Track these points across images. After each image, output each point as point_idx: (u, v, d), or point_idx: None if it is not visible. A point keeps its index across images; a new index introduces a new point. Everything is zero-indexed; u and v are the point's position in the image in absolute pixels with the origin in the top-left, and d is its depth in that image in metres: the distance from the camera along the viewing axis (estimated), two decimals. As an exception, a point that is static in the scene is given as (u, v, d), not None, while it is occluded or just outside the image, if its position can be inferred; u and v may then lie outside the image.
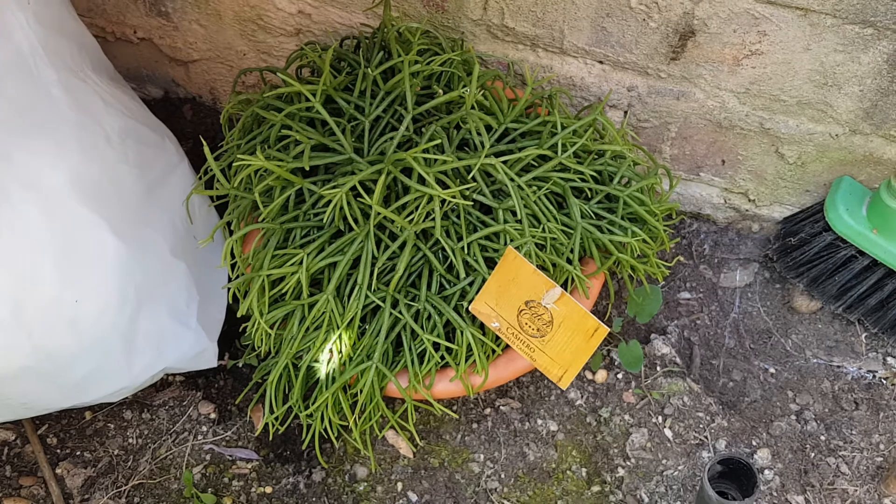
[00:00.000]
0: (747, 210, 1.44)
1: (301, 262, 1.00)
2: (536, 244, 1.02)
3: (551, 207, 1.06)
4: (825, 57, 1.17)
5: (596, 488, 1.29)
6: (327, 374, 1.05)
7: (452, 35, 1.30)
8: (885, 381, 1.40)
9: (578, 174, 1.09)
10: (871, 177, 1.31)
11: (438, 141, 0.96)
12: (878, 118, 1.22)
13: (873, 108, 1.21)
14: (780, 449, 1.34)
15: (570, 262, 1.07)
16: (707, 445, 1.33)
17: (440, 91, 1.09)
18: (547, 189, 1.06)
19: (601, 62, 1.28)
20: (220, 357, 1.30)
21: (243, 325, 1.25)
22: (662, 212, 1.14)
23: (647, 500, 1.28)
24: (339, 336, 1.00)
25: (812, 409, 1.38)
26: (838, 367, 1.42)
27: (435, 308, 1.02)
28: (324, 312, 0.99)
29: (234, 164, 1.08)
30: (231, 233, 1.14)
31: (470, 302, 1.01)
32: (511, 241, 1.02)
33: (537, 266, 1.02)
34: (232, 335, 1.36)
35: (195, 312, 1.19)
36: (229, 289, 1.08)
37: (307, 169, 1.00)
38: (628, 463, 1.31)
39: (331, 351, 1.02)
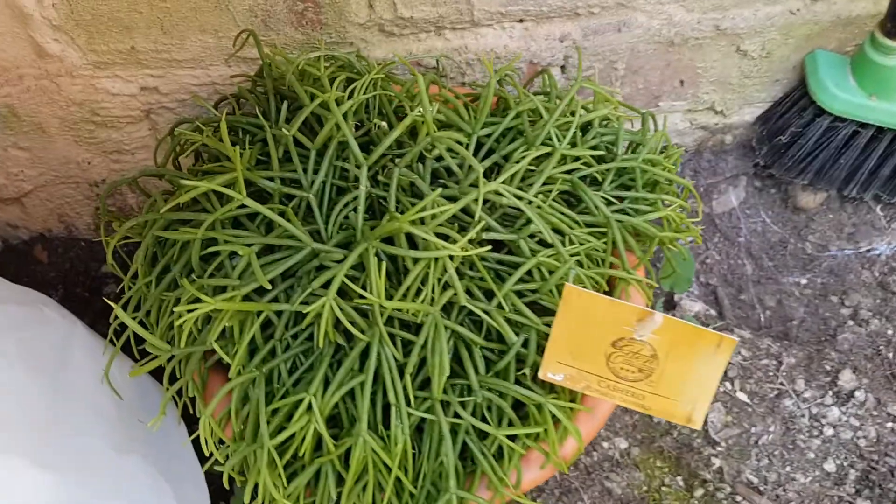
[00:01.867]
0: (716, 124, 1.27)
1: (310, 407, 0.74)
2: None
3: (568, 211, 0.84)
4: (771, -74, 1.00)
5: (699, 492, 1.10)
6: (390, 525, 0.80)
7: (340, 51, 1.05)
8: (921, 247, 1.28)
9: (575, 159, 0.87)
10: (842, 42, 1.16)
11: (437, 192, 0.72)
12: (840, -25, 1.06)
13: (833, -35, 1.05)
14: (856, 362, 1.19)
15: (611, 265, 0.86)
16: (787, 391, 1.17)
17: (382, 124, 0.84)
18: (556, 192, 0.83)
19: (521, 20, 1.06)
20: (216, 534, 1.02)
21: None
22: (674, 163, 0.95)
23: (756, 480, 1.11)
24: (395, 479, 0.75)
25: (865, 307, 1.24)
26: (868, 251, 1.29)
27: (495, 391, 0.78)
28: (364, 456, 0.74)
29: (168, 315, 0.80)
30: (181, 396, 0.86)
31: (534, 368, 0.78)
32: (550, 272, 0.80)
33: (590, 287, 0.80)
34: (216, 496, 1.07)
35: (176, 508, 0.90)
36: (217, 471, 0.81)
37: (268, 287, 0.74)
38: (719, 448, 1.13)
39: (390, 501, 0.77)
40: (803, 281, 1.28)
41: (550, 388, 0.81)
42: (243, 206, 0.81)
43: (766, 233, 1.30)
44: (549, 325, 0.79)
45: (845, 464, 1.11)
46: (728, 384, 1.17)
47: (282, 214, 0.82)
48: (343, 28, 1.02)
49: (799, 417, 1.15)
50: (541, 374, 0.77)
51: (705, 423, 1.14)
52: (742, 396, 1.16)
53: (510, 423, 0.79)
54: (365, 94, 0.84)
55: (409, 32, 1.04)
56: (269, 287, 0.74)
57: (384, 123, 0.84)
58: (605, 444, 1.14)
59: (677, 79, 1.17)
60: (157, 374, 0.98)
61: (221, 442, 0.85)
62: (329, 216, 0.82)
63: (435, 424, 0.77)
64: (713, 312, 1.24)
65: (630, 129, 0.96)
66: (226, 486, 0.80)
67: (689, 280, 1.13)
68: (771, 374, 1.18)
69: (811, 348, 1.20)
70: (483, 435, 0.80)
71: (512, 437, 0.79)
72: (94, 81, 1.04)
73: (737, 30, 1.10)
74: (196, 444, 1.01)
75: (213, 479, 1.05)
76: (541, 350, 0.79)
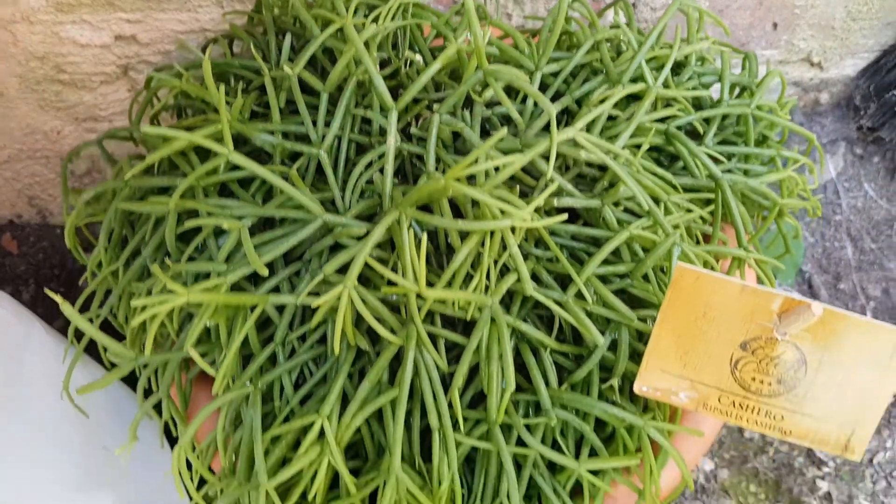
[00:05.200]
0: (811, 79, 1.06)
1: (322, 433, 0.54)
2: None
3: (663, 172, 0.63)
4: None
5: (805, 526, 0.89)
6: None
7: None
8: None
9: (668, 104, 0.67)
10: (975, -31, 0.94)
11: (495, 138, 0.51)
12: None
13: None
14: None
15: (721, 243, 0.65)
16: (906, 401, 0.95)
17: (416, 58, 0.64)
18: (648, 145, 0.63)
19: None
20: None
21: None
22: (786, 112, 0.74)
23: (872, 509, 0.90)
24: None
25: None
26: None
27: (572, 410, 0.58)
28: (397, 501, 0.54)
29: (140, 312, 0.61)
30: (162, 415, 0.67)
31: (624, 378, 0.58)
32: (644, 249, 0.59)
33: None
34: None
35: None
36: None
37: (265, 273, 0.54)
38: (826, 469, 0.92)
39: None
40: (914, 266, 1.07)
41: (644, 406, 0.61)
42: (233, 168, 0.61)
43: (868, 209, 1.09)
44: (644, 320, 0.58)
45: (985, 489, 0.90)
46: (835, 392, 0.96)
47: (284, 178, 0.62)
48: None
49: (923, 432, 0.94)
50: (637, 387, 0.56)
51: (809, 440, 0.93)
52: (852, 407, 0.95)
53: (592, 453, 0.59)
54: (392, 19, 0.64)
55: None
56: (266, 273, 0.54)
57: (418, 57, 0.64)
58: (686, 467, 0.93)
59: (770, 21, 0.96)
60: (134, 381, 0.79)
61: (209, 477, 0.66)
62: (346, 181, 0.62)
63: (492, 456, 0.56)
64: (810, 305, 1.02)
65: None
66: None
67: (798, 266, 0.93)
68: (886, 379, 0.97)
69: (932, 347, 0.99)
70: (553, 466, 0.59)
71: (593, 472, 0.59)
72: (56, 28, 0.85)
73: (847, -45, 0.90)
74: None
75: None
76: (634, 355, 0.58)
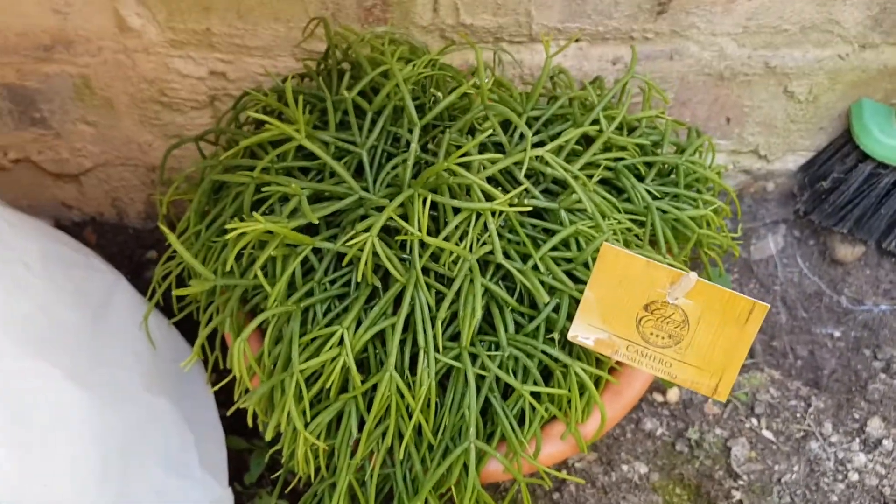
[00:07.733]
0: (759, 169, 1.29)
1: (341, 342, 0.75)
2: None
3: (609, 196, 0.86)
4: (822, -32, 1.05)
5: (719, 523, 1.07)
6: (405, 478, 0.80)
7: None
8: (958, 308, 1.27)
9: (621, 149, 0.90)
10: (889, 93, 1.19)
11: (485, 135, 0.75)
12: (888, 24, 1.10)
13: (882, 13, 1.09)
14: (886, 412, 1.17)
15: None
16: (814, 434, 1.15)
17: (438, 94, 0.88)
18: (599, 176, 0.86)
19: (577, 39, 1.11)
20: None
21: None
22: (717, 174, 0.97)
23: (777, 517, 1.08)
24: (415, 427, 0.75)
25: (899, 361, 1.23)
26: (905, 308, 1.28)
27: (522, 351, 0.79)
28: (389, 396, 0.75)
29: (214, 262, 0.83)
30: (216, 345, 0.88)
31: (563, 334, 0.79)
32: (586, 242, 0.81)
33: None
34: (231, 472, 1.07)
35: (196, 456, 0.91)
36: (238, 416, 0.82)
37: (315, 222, 0.77)
38: (740, 482, 1.10)
39: (406, 447, 0.77)
40: (837, 333, 1.27)
41: (578, 360, 0.82)
42: (298, 156, 0.85)
43: (802, 283, 1.30)
44: (581, 292, 0.80)
45: (871, 511, 1.08)
46: (754, 420, 1.15)
47: (332, 173, 0.85)
48: (406, 29, 1.07)
49: (824, 460, 1.13)
50: (570, 335, 0.77)
51: (728, 455, 1.12)
52: (768, 434, 1.14)
53: (535, 385, 0.80)
54: (424, 68, 0.89)
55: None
56: (317, 221, 0.77)
57: (440, 94, 0.88)
58: (625, 468, 1.12)
59: (724, 115, 1.20)
60: (190, 336, 1.00)
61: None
62: (377, 178, 0.85)
63: (460, 374, 0.77)
64: (744, 352, 1.23)
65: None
66: (249, 423, 0.81)
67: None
68: (799, 415, 1.16)
69: (841, 396, 1.19)
70: (506, 397, 0.80)
71: (535, 400, 0.79)
72: (167, 60, 1.11)
73: (786, 69, 1.14)
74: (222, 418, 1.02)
75: (230, 454, 1.05)
76: (571, 317, 0.80)
